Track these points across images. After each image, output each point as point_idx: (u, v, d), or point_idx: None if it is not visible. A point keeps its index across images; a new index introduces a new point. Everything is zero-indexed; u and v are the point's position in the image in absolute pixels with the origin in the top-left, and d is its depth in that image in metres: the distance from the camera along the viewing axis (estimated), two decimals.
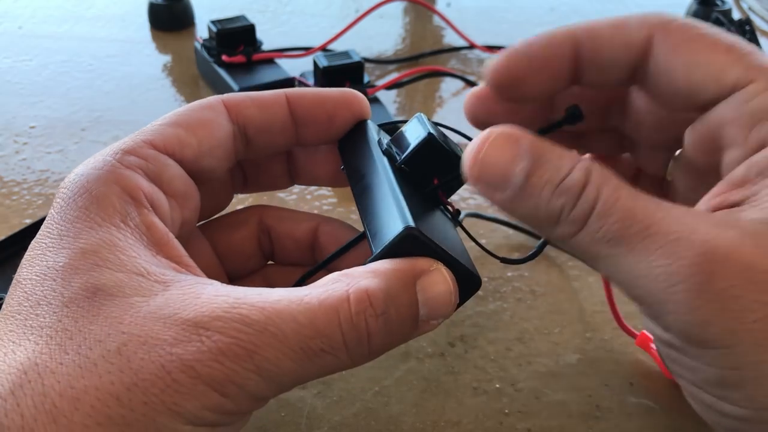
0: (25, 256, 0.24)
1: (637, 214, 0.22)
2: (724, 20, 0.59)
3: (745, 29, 0.59)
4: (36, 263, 0.23)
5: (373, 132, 0.30)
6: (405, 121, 0.30)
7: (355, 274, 0.23)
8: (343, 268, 0.24)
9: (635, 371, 0.35)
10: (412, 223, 0.24)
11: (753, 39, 0.58)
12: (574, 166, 0.23)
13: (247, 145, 0.29)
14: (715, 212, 0.23)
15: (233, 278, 0.33)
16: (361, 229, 0.28)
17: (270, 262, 0.34)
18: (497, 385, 0.35)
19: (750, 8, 0.72)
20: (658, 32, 0.25)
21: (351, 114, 0.30)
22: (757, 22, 0.70)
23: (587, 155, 0.32)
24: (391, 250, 0.24)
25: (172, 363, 0.20)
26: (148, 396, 0.20)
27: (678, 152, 0.30)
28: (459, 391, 0.34)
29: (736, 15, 0.64)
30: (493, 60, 0.27)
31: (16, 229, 0.41)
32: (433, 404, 0.34)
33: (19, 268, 0.24)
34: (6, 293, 0.24)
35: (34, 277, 0.23)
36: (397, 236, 0.24)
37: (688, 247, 0.21)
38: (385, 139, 0.29)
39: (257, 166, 0.32)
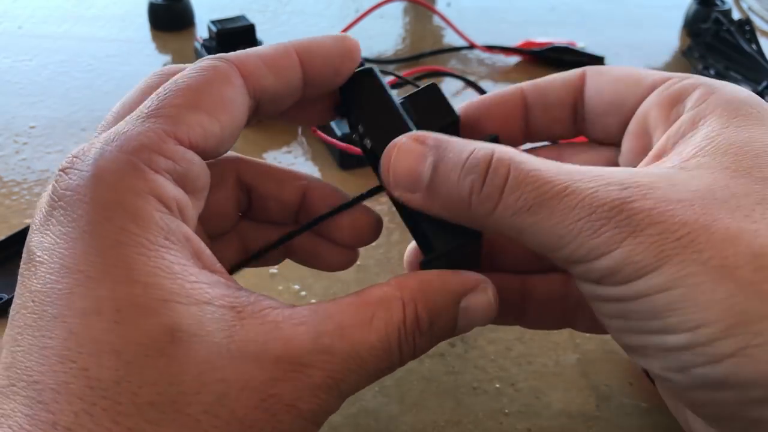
0: (29, 291, 0.20)
1: (552, 179, 0.22)
2: (723, 20, 0.59)
3: (745, 29, 0.59)
4: (74, 301, 0.19)
5: (392, 92, 0.28)
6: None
7: (408, 287, 0.24)
8: (333, 234, 0.27)
9: (635, 371, 0.35)
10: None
11: (753, 39, 0.58)
12: (475, 148, 0.23)
13: (253, 114, 0.26)
14: (629, 168, 0.24)
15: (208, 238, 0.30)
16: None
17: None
18: (497, 385, 0.35)
19: (750, 8, 0.72)
20: (589, 70, 0.29)
21: (353, 65, 0.28)
22: (757, 22, 0.70)
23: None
24: (454, 252, 0.25)
25: (275, 405, 0.20)
26: None
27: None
28: (459, 391, 0.34)
29: (736, 15, 0.64)
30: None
31: (16, 229, 0.41)
32: (433, 404, 0.34)
33: (22, 309, 0.20)
34: (6, 294, 0.23)
35: (75, 320, 0.19)
36: (464, 242, 0.25)
37: (607, 194, 0.21)
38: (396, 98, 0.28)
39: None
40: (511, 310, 0.30)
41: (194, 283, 0.20)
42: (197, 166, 0.23)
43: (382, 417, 0.33)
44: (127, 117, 0.23)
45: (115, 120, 0.25)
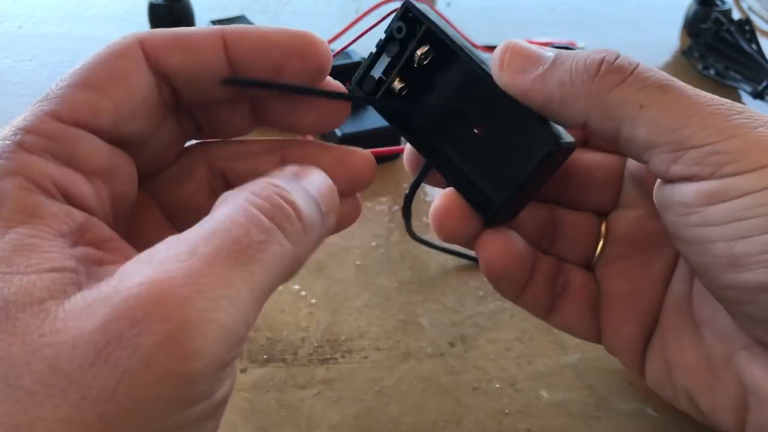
0: None
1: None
2: (723, 20, 0.59)
3: (745, 29, 0.59)
4: None
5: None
6: None
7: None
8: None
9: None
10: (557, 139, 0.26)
11: (753, 39, 0.58)
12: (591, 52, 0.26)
13: (177, 97, 0.25)
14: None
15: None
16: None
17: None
18: (497, 385, 0.35)
19: (750, 8, 0.72)
20: None
21: (303, 67, 0.25)
22: (757, 22, 0.70)
23: None
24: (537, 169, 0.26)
25: (117, 351, 0.18)
26: (105, 405, 0.17)
27: None
28: (459, 391, 0.34)
29: (736, 15, 0.64)
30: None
31: None
32: (433, 404, 0.34)
33: None
34: None
35: None
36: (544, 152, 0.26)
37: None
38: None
39: (206, 111, 0.27)
40: (543, 304, 0.31)
41: (46, 255, 0.19)
42: (87, 143, 0.22)
43: (382, 417, 0.33)
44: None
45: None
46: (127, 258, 0.20)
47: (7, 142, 0.21)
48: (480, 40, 0.62)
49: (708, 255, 0.24)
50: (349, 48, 0.53)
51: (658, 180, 0.26)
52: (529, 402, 0.34)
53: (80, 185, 0.22)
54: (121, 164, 0.23)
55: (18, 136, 0.21)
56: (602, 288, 0.31)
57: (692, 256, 0.25)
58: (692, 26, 0.65)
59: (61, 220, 0.20)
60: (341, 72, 0.50)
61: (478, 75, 0.27)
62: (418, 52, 0.27)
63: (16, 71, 0.60)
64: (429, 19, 0.27)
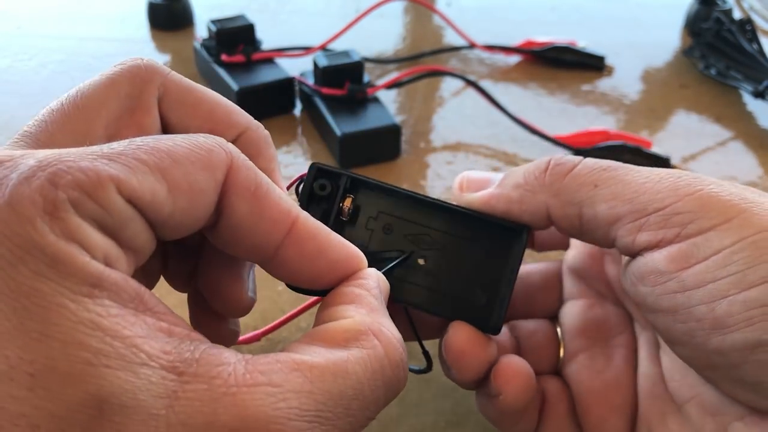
0: None
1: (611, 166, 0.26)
2: (724, 20, 0.59)
3: (746, 29, 0.58)
4: None
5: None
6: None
7: (371, 317, 0.22)
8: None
9: None
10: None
11: (754, 38, 0.58)
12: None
13: (212, 228, 0.23)
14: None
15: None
16: None
17: None
18: None
19: (751, 8, 0.72)
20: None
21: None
22: (758, 21, 0.70)
23: None
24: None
25: None
26: None
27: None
28: (459, 391, 0.34)
29: (737, 14, 0.64)
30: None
31: None
32: (433, 405, 0.33)
33: None
34: None
35: None
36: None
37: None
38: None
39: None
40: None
41: (127, 338, 0.17)
42: (137, 224, 0.20)
43: (382, 418, 0.33)
44: (84, 148, 0.19)
45: (60, 123, 0.24)
46: (177, 325, 0.19)
47: (61, 195, 0.17)
48: (480, 39, 0.62)
49: (690, 321, 0.23)
50: (350, 48, 0.53)
51: (625, 259, 0.26)
52: None
53: (120, 261, 0.19)
54: (151, 248, 0.21)
55: (75, 193, 0.18)
56: (574, 390, 0.30)
57: (673, 325, 0.24)
58: (693, 26, 0.65)
59: (122, 289, 0.18)
60: (341, 72, 0.51)
61: (424, 201, 0.28)
62: (344, 205, 0.28)
63: (15, 71, 0.60)
64: (345, 171, 0.28)
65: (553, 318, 0.32)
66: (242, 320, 0.37)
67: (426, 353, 0.29)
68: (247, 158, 0.22)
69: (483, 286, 0.28)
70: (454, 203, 0.29)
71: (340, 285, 0.23)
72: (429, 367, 0.29)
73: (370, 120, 0.50)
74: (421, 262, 0.28)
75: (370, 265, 0.24)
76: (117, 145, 0.20)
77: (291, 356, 0.19)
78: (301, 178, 0.28)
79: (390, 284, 0.25)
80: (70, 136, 0.23)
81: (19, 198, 0.17)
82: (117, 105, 0.25)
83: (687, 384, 0.27)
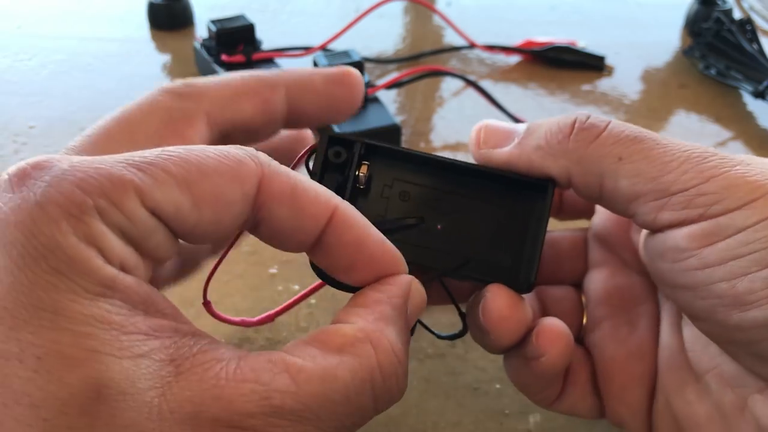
0: None
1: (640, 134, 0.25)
2: (724, 20, 0.59)
3: (746, 29, 0.58)
4: None
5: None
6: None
7: (375, 324, 0.22)
8: None
9: None
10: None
11: (754, 38, 0.58)
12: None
13: (252, 231, 0.24)
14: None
15: None
16: None
17: None
18: (498, 386, 0.34)
19: (751, 8, 0.72)
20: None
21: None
22: (758, 21, 0.70)
23: None
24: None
25: None
26: None
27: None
28: (459, 391, 0.34)
29: (737, 14, 0.64)
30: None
31: None
32: (433, 405, 0.33)
33: None
34: None
35: None
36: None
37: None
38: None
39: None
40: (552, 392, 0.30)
41: (132, 334, 0.18)
42: (159, 235, 0.20)
43: (382, 418, 0.33)
44: (116, 155, 0.20)
45: (102, 137, 0.25)
46: (183, 323, 0.20)
47: (88, 201, 0.19)
48: (480, 39, 0.62)
49: (710, 298, 0.24)
50: (350, 48, 0.53)
51: (644, 232, 0.26)
52: (530, 403, 0.34)
53: (139, 267, 0.20)
54: (172, 252, 0.22)
55: (101, 201, 0.19)
56: (596, 358, 0.30)
57: (693, 301, 0.24)
58: (693, 26, 0.65)
59: (134, 292, 0.19)
60: None
61: (440, 162, 0.27)
62: (360, 173, 0.27)
63: (15, 71, 0.60)
64: (358, 137, 0.27)
65: (578, 285, 0.32)
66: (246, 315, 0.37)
67: (462, 314, 0.28)
68: (278, 164, 0.22)
69: (507, 246, 0.27)
70: (471, 162, 0.28)
71: (368, 287, 0.23)
72: (464, 330, 0.28)
73: (370, 120, 0.50)
74: (439, 226, 0.27)
75: (386, 233, 0.24)
76: (149, 154, 0.20)
77: (283, 357, 0.20)
78: (311, 150, 0.27)
79: (409, 251, 0.25)
80: (111, 148, 0.25)
81: (48, 199, 0.18)
82: (158, 118, 0.26)
83: (707, 355, 0.27)
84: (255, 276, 0.40)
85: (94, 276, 0.18)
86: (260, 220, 0.22)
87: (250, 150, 0.22)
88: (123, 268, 0.20)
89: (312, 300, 0.38)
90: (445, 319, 0.32)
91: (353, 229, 0.23)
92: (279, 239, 0.23)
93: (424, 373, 0.35)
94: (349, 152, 0.27)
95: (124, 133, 0.26)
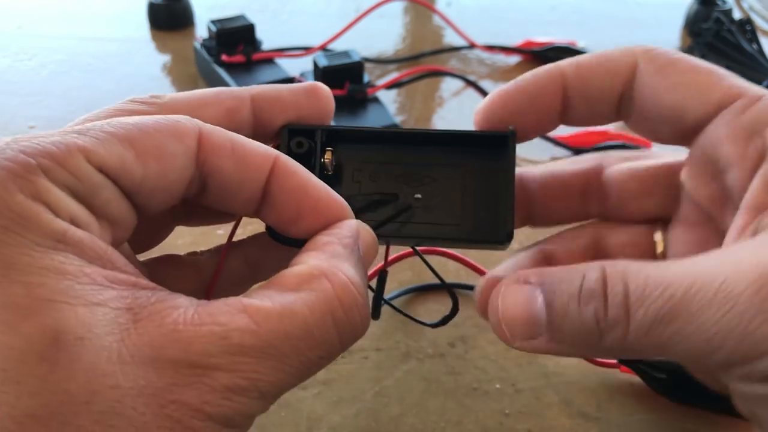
0: None
1: (673, 282, 0.20)
2: (724, 20, 0.59)
3: (746, 29, 0.58)
4: None
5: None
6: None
7: (329, 261, 0.22)
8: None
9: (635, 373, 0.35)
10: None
11: (754, 38, 0.58)
12: (584, 272, 0.22)
13: (201, 194, 0.24)
14: (747, 241, 0.22)
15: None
16: None
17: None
18: (497, 386, 0.34)
19: (751, 8, 0.72)
20: (642, 58, 0.26)
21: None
22: (757, 21, 0.70)
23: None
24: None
25: (178, 411, 0.18)
26: None
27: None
28: (459, 391, 0.34)
29: (737, 14, 0.64)
30: (483, 101, 0.28)
31: None
32: (433, 405, 0.34)
33: None
34: None
35: None
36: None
37: (744, 278, 0.20)
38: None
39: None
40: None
41: (87, 284, 0.19)
42: (108, 191, 0.21)
43: (382, 418, 0.33)
44: (60, 130, 0.22)
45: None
46: (141, 278, 0.20)
47: (32, 161, 0.19)
48: (480, 39, 0.62)
49: None
50: (350, 48, 0.53)
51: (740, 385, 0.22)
52: (530, 402, 0.34)
53: (92, 225, 0.21)
54: (128, 219, 0.23)
55: (45, 161, 0.20)
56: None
57: None
58: (693, 26, 0.65)
59: (88, 246, 0.20)
60: (341, 71, 0.51)
61: (401, 135, 0.28)
62: (326, 159, 0.27)
63: (16, 70, 0.60)
64: (318, 125, 0.27)
65: (651, 222, 0.29)
66: None
67: (453, 294, 0.29)
68: (214, 125, 0.23)
69: (484, 203, 0.27)
70: (431, 128, 0.28)
71: (315, 235, 0.24)
72: (455, 310, 0.29)
73: (370, 120, 0.50)
74: (417, 196, 0.28)
75: (364, 214, 0.25)
76: (90, 124, 0.21)
77: (240, 300, 0.21)
78: (274, 146, 0.27)
79: (392, 229, 0.26)
80: None
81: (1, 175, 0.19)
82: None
83: None
84: None
85: (44, 229, 0.19)
86: (206, 176, 0.23)
87: (184, 116, 0.23)
88: (74, 224, 0.20)
89: None
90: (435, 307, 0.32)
91: (295, 176, 0.24)
92: (227, 196, 0.24)
93: (424, 372, 0.35)
94: (312, 141, 0.27)
95: None
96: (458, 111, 0.56)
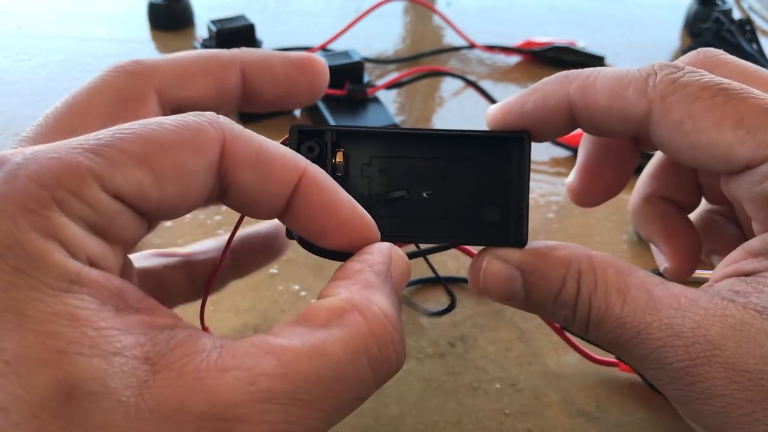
0: None
1: (626, 322, 0.23)
2: (724, 20, 0.59)
3: (746, 29, 0.58)
4: None
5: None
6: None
7: (360, 293, 0.21)
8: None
9: (635, 372, 0.35)
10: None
11: (754, 38, 0.58)
12: (565, 276, 0.25)
13: (221, 198, 0.23)
14: (713, 297, 0.23)
15: None
16: None
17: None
18: (497, 386, 0.34)
19: (750, 8, 0.72)
20: (656, 108, 0.23)
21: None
22: (757, 21, 0.70)
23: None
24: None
25: None
26: None
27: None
28: (459, 391, 0.34)
29: (737, 15, 0.64)
30: (489, 114, 0.27)
31: None
32: (433, 404, 0.34)
33: None
34: None
35: None
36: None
37: (674, 355, 0.22)
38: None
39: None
40: None
41: (102, 330, 0.18)
42: (123, 218, 0.20)
43: (382, 417, 0.33)
44: (68, 140, 0.19)
45: (54, 124, 0.24)
46: (160, 317, 0.19)
47: (45, 195, 0.18)
48: (480, 39, 0.62)
49: None
50: (350, 48, 0.53)
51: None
52: (530, 402, 0.34)
53: (107, 256, 0.20)
54: (141, 232, 0.21)
55: (59, 193, 0.18)
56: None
57: None
58: (693, 26, 0.65)
59: (102, 286, 0.18)
60: (341, 71, 0.51)
61: (411, 135, 0.27)
62: (337, 161, 0.27)
63: (16, 71, 0.60)
64: (327, 126, 0.27)
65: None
66: (243, 320, 0.38)
67: (450, 291, 0.29)
68: (242, 127, 0.22)
69: (494, 204, 0.27)
70: (441, 129, 0.27)
71: (347, 261, 0.23)
72: (452, 306, 0.29)
73: (370, 120, 0.50)
74: (425, 194, 0.27)
75: (373, 208, 0.24)
76: (103, 135, 0.19)
77: (266, 339, 0.19)
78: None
79: (400, 224, 0.26)
80: (63, 134, 0.23)
81: (4, 197, 0.18)
82: (108, 99, 0.25)
83: None
84: (255, 276, 0.40)
85: (57, 271, 0.18)
86: (227, 186, 0.21)
87: (210, 115, 0.21)
88: (90, 260, 0.19)
89: (312, 300, 0.38)
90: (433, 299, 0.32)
91: (323, 193, 0.22)
92: (248, 206, 0.22)
93: (424, 372, 0.35)
94: (322, 143, 0.27)
95: (76, 117, 0.25)
96: (458, 111, 0.56)
